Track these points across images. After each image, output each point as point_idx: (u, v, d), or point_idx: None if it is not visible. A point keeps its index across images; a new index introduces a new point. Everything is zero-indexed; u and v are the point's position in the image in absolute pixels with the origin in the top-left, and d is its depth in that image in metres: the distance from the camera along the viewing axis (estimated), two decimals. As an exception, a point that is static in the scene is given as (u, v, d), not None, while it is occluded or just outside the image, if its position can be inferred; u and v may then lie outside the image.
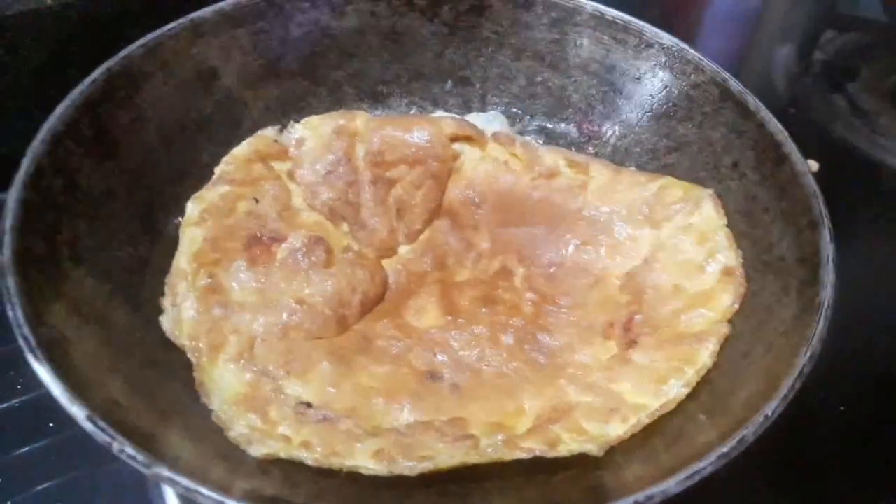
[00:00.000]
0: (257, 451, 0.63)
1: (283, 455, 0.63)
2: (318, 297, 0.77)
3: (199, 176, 0.84)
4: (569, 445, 0.63)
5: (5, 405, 0.87)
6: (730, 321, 0.71)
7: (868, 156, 1.28)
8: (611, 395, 0.68)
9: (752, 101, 0.82)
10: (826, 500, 0.90)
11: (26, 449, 0.84)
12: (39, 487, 0.81)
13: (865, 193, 1.22)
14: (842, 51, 1.46)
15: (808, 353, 0.60)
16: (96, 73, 0.77)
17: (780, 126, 0.79)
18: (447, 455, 0.63)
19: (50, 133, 0.71)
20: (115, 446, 0.52)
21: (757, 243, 0.76)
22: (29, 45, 1.12)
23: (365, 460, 0.63)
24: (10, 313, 0.58)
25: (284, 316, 0.75)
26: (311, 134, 0.88)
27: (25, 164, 0.68)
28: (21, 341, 0.57)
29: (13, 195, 0.65)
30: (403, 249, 0.87)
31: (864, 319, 1.04)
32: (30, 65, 1.13)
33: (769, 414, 0.56)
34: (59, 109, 0.73)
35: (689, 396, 0.66)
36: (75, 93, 0.75)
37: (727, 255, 0.76)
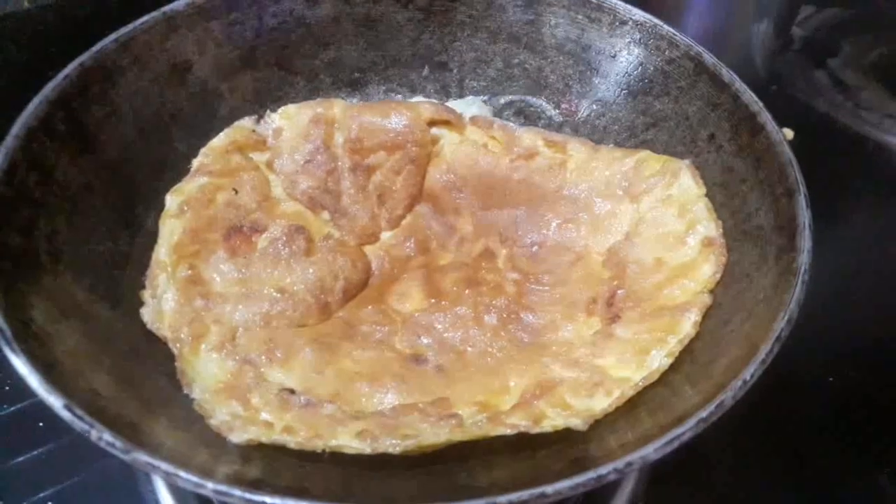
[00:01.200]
0: (239, 437, 0.62)
1: (264, 440, 0.63)
2: (299, 286, 0.78)
3: (178, 169, 0.84)
4: (553, 421, 0.63)
5: None
6: (711, 291, 0.71)
7: (851, 130, 1.29)
8: (595, 370, 0.68)
9: (727, 74, 0.82)
10: (816, 471, 0.91)
11: (21, 458, 0.85)
12: (35, 496, 0.82)
13: (849, 168, 1.23)
14: (822, 27, 1.47)
15: (786, 318, 0.60)
16: (69, 69, 0.77)
17: (754, 97, 0.79)
18: (432, 434, 0.63)
19: (23, 128, 0.70)
20: (94, 434, 0.52)
21: (735, 213, 0.76)
22: (7, 48, 1.12)
23: (348, 440, 0.63)
24: (-15, 307, 0.58)
25: (266, 305, 0.75)
26: (289, 123, 0.88)
27: (-1, 159, 0.68)
28: (-3, 334, 0.56)
29: (-14, 191, 0.65)
30: (386, 235, 0.87)
31: (848, 291, 1.05)
32: (8, 67, 1.13)
33: (747, 378, 0.56)
34: (33, 105, 0.73)
35: (672, 367, 0.67)
36: (48, 88, 0.75)
37: (707, 226, 0.76)
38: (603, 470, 0.50)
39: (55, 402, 0.53)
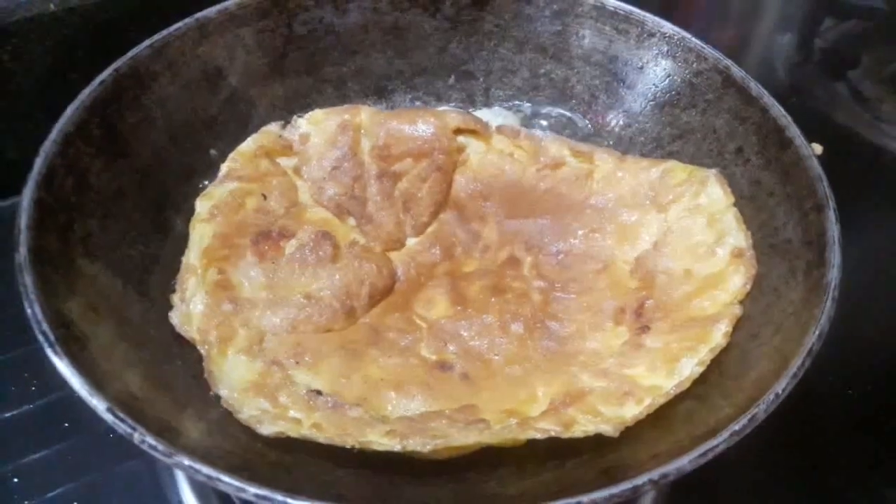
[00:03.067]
0: (268, 429, 0.63)
1: (293, 434, 0.63)
2: (326, 291, 0.78)
3: (208, 174, 0.85)
4: (584, 427, 0.64)
5: (22, 409, 0.89)
6: (741, 303, 0.72)
7: (870, 142, 1.28)
8: (624, 380, 0.69)
9: (755, 87, 0.82)
10: (833, 483, 0.91)
11: (43, 453, 0.85)
12: (56, 491, 0.82)
13: (868, 180, 1.23)
14: (842, 38, 1.46)
15: (817, 332, 0.60)
16: (104, 75, 0.78)
17: (782, 111, 0.79)
18: (461, 437, 0.64)
19: (61, 134, 0.71)
20: (137, 437, 0.53)
21: (763, 227, 0.76)
22: (33, 51, 1.13)
23: (377, 438, 0.63)
24: (28, 310, 0.59)
25: (293, 311, 0.76)
26: (315, 129, 0.89)
27: (38, 164, 0.69)
28: (41, 337, 0.57)
29: (27, 195, 0.66)
30: (411, 242, 0.88)
31: (869, 303, 1.05)
32: (34, 70, 1.14)
33: (779, 392, 0.57)
34: (70, 111, 0.74)
35: (700, 379, 0.67)
36: (84, 94, 0.76)
37: (737, 237, 0.76)
38: (638, 481, 0.51)
39: (98, 404, 0.54)
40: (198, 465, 0.51)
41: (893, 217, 1.20)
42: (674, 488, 0.85)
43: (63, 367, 0.56)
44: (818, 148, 0.77)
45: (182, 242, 0.79)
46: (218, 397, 0.67)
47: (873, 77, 1.38)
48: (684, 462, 0.52)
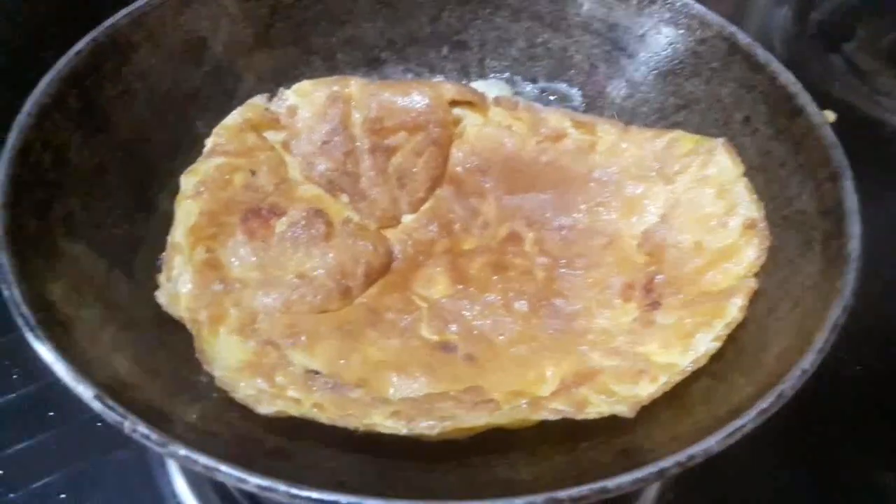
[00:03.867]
0: (267, 409, 0.61)
1: (294, 413, 0.61)
2: (319, 271, 0.75)
3: (193, 150, 0.81)
4: (598, 407, 0.61)
5: (4, 398, 0.87)
6: (756, 275, 0.69)
7: (867, 115, 1.26)
8: (637, 357, 0.66)
9: (762, 54, 0.79)
10: (842, 460, 0.89)
11: (27, 443, 0.83)
12: (42, 481, 0.80)
13: (866, 153, 1.20)
14: (837, 10, 1.44)
15: (842, 305, 0.58)
16: (81, 44, 0.74)
17: (792, 78, 0.77)
18: (470, 417, 0.61)
19: (36, 106, 0.68)
20: (128, 425, 0.49)
21: (775, 199, 0.74)
22: (4, 27, 1.09)
23: (382, 419, 0.61)
24: (6, 293, 0.55)
25: (286, 291, 0.73)
26: (303, 101, 0.85)
27: (12, 138, 0.65)
28: (19, 320, 0.54)
29: (1, 171, 0.62)
30: (407, 219, 0.85)
31: (873, 278, 1.03)
32: (5, 47, 1.09)
33: (806, 368, 0.54)
34: (44, 82, 0.70)
35: (716, 357, 0.64)
36: (60, 64, 0.72)
37: (748, 207, 0.73)
38: (665, 463, 0.48)
39: (85, 391, 0.50)
40: (195, 455, 0.48)
41: (892, 190, 1.19)
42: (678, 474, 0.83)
43: (45, 352, 0.52)
44: (831, 115, 0.74)
45: (168, 221, 0.76)
46: (211, 380, 0.64)
47: (869, 50, 1.36)
48: (711, 443, 0.50)
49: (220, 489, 0.79)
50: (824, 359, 0.57)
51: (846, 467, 0.89)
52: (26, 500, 0.79)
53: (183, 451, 0.48)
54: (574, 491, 0.46)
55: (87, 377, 0.52)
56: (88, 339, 0.58)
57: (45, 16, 1.11)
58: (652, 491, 0.80)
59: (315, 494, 0.46)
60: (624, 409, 0.61)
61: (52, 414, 0.85)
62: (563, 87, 0.94)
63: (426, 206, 0.85)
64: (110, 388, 0.52)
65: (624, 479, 0.47)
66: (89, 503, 0.79)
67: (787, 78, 0.77)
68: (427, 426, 0.60)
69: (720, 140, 0.79)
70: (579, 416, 0.61)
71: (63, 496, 0.79)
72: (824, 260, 0.65)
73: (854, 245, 0.62)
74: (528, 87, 0.96)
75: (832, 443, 0.90)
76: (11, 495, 0.79)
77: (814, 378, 0.56)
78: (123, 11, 0.78)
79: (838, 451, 0.90)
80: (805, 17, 1.41)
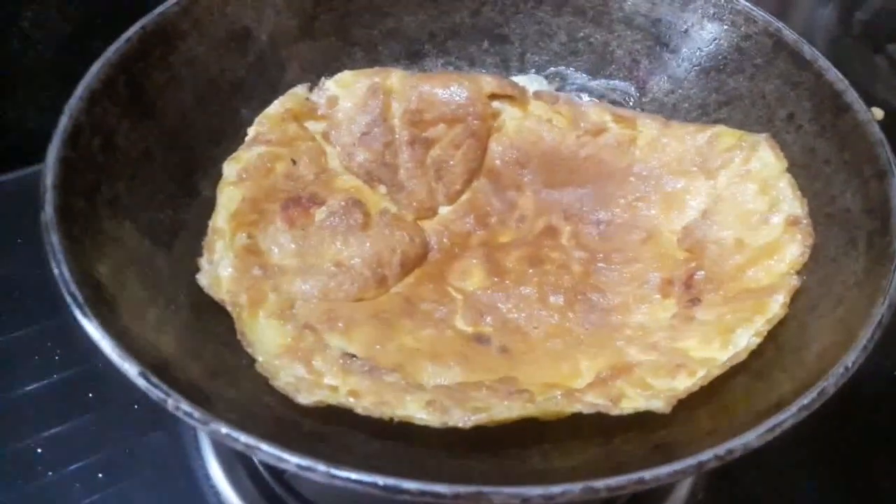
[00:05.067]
0: (306, 398, 0.61)
1: (331, 402, 0.61)
2: (356, 259, 0.76)
3: (236, 138, 0.82)
4: (633, 401, 0.61)
5: (45, 381, 0.88)
6: (798, 273, 0.69)
7: (912, 116, 1.24)
8: (675, 353, 0.66)
9: (808, 51, 0.79)
10: (877, 466, 0.88)
11: (66, 425, 0.84)
12: (80, 462, 0.82)
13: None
14: (882, 11, 1.42)
15: (887, 303, 0.57)
16: (130, 32, 0.75)
17: (839, 75, 0.76)
18: (504, 408, 0.61)
19: (87, 91, 0.69)
20: (171, 403, 0.50)
21: (818, 196, 0.73)
22: (53, 18, 1.11)
23: (416, 410, 0.61)
24: (55, 270, 0.56)
25: (324, 279, 0.74)
26: (344, 92, 0.86)
27: (63, 122, 0.66)
28: (68, 298, 0.55)
29: (52, 153, 0.64)
30: (443, 211, 0.85)
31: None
32: (55, 37, 1.11)
33: (849, 365, 0.54)
34: (95, 67, 0.71)
35: (756, 354, 0.64)
36: (110, 51, 0.73)
37: (791, 204, 0.73)
38: (704, 457, 0.48)
39: (130, 369, 0.51)
40: (236, 434, 0.48)
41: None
42: (709, 473, 0.82)
43: (92, 329, 0.53)
44: (879, 113, 0.74)
45: (210, 207, 0.77)
46: (250, 365, 0.65)
47: (915, 51, 1.34)
48: (751, 437, 0.49)
49: (252, 471, 0.80)
50: (864, 360, 0.56)
51: (882, 473, 0.87)
52: (65, 480, 0.80)
53: (225, 430, 0.49)
54: (612, 481, 0.46)
55: (133, 355, 0.52)
56: (133, 319, 0.59)
57: (94, 7, 1.13)
58: (683, 490, 0.80)
59: (353, 475, 0.47)
60: (660, 405, 0.60)
61: (90, 395, 0.86)
62: (604, 82, 0.94)
63: (463, 198, 0.85)
64: (154, 367, 0.53)
65: (661, 470, 0.47)
66: (126, 484, 0.80)
67: (833, 74, 0.76)
68: (460, 419, 0.60)
69: (763, 135, 0.78)
70: (614, 412, 0.60)
71: (100, 476, 0.81)
72: (868, 258, 0.64)
73: (900, 243, 0.61)
74: (569, 82, 0.95)
75: (868, 448, 0.89)
76: (51, 474, 0.80)
77: (852, 381, 0.55)
78: (172, 0, 0.79)
79: (874, 457, 0.89)
80: (849, 17, 1.39)
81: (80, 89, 0.68)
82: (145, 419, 0.84)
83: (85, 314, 0.54)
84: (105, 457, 0.82)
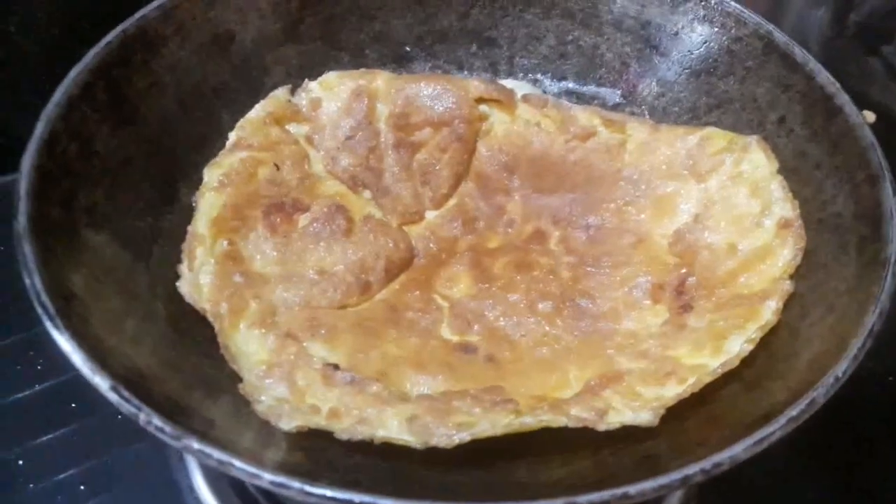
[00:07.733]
0: (287, 424, 0.59)
1: (311, 425, 0.60)
2: (339, 266, 0.75)
3: (219, 143, 0.81)
4: (621, 414, 0.59)
5: (28, 391, 0.87)
6: (791, 277, 0.67)
7: (906, 119, 1.23)
8: (666, 360, 0.64)
9: (800, 53, 0.78)
10: (874, 472, 0.87)
11: (49, 435, 0.83)
12: (63, 473, 0.81)
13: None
14: (876, 12, 1.41)
15: (878, 311, 0.56)
16: (111, 36, 0.74)
17: (830, 77, 0.74)
18: (487, 423, 0.59)
19: (65, 96, 0.68)
20: (142, 417, 0.49)
21: (809, 201, 0.72)
22: (40, 21, 1.10)
23: (397, 429, 0.59)
24: (27, 281, 0.55)
25: (306, 287, 0.72)
26: (328, 94, 0.85)
27: (39, 128, 0.65)
28: (39, 310, 0.54)
29: (27, 161, 0.63)
30: (430, 216, 0.84)
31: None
32: (41, 42, 1.10)
33: (839, 375, 0.52)
34: (74, 73, 0.70)
35: (747, 362, 0.62)
36: (89, 56, 0.72)
37: (783, 207, 0.71)
38: (689, 470, 0.47)
39: (101, 382, 0.50)
40: (208, 450, 0.47)
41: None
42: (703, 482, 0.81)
43: (64, 341, 0.52)
44: (870, 116, 0.72)
45: (189, 213, 0.75)
46: (230, 376, 0.63)
47: (909, 53, 1.33)
48: (738, 450, 0.48)
49: (237, 483, 0.78)
50: (857, 367, 0.55)
51: (879, 480, 0.86)
52: (47, 492, 0.79)
53: (197, 445, 0.47)
54: (595, 496, 0.44)
55: (105, 368, 0.51)
56: (108, 330, 0.58)
57: (82, 12, 1.12)
58: (674, 499, 0.78)
59: (329, 492, 0.45)
60: (648, 418, 0.59)
61: (73, 406, 0.85)
62: (593, 86, 0.93)
63: (450, 203, 0.84)
64: (128, 380, 0.52)
65: (646, 485, 0.45)
66: (108, 495, 0.79)
67: (824, 77, 0.75)
68: (443, 439, 0.58)
69: (754, 137, 0.77)
70: (601, 427, 0.59)
71: (83, 487, 0.79)
72: (860, 264, 0.63)
73: (892, 249, 0.60)
74: (558, 86, 0.94)
75: (865, 455, 0.88)
76: (32, 486, 0.79)
77: (846, 386, 0.54)
78: (154, 4, 0.78)
79: (871, 464, 0.87)
80: (843, 18, 1.38)
81: (58, 95, 0.67)
82: (128, 430, 0.82)
83: (56, 326, 0.52)
84: (87, 468, 0.81)
